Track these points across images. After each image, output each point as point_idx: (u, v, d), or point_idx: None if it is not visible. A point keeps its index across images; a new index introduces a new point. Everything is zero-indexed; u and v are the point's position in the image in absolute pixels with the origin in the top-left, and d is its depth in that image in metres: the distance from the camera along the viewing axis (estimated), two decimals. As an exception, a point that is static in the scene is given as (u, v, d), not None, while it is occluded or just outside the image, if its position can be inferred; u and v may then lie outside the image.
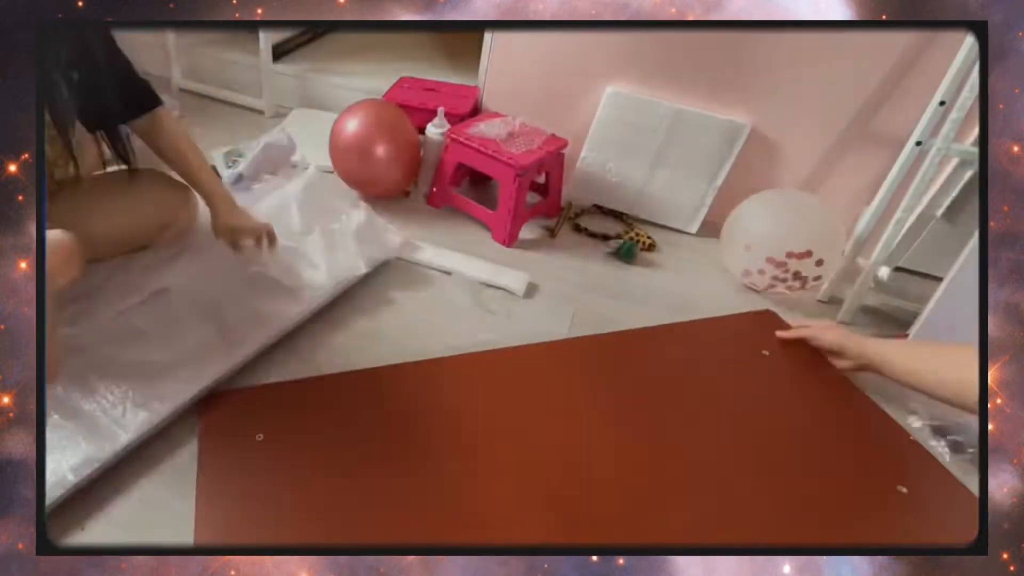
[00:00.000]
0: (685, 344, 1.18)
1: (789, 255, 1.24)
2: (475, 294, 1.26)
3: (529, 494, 0.86)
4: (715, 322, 1.24)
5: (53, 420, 0.84)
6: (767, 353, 1.15)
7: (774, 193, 1.34)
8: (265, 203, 1.29)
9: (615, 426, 0.98)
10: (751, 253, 1.28)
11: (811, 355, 1.16)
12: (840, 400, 1.08)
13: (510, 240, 1.42)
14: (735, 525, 0.85)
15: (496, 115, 1.49)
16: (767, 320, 1.26)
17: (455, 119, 1.52)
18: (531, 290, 1.29)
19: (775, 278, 1.28)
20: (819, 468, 0.95)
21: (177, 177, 1.13)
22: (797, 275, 1.26)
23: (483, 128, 1.41)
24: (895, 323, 1.31)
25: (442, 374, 1.04)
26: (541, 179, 1.53)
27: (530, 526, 0.82)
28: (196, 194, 1.15)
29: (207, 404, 0.94)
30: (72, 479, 0.79)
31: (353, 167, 1.41)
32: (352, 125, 1.40)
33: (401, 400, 0.99)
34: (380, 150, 1.39)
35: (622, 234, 1.50)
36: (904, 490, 0.92)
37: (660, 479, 0.90)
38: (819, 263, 1.23)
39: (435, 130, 1.48)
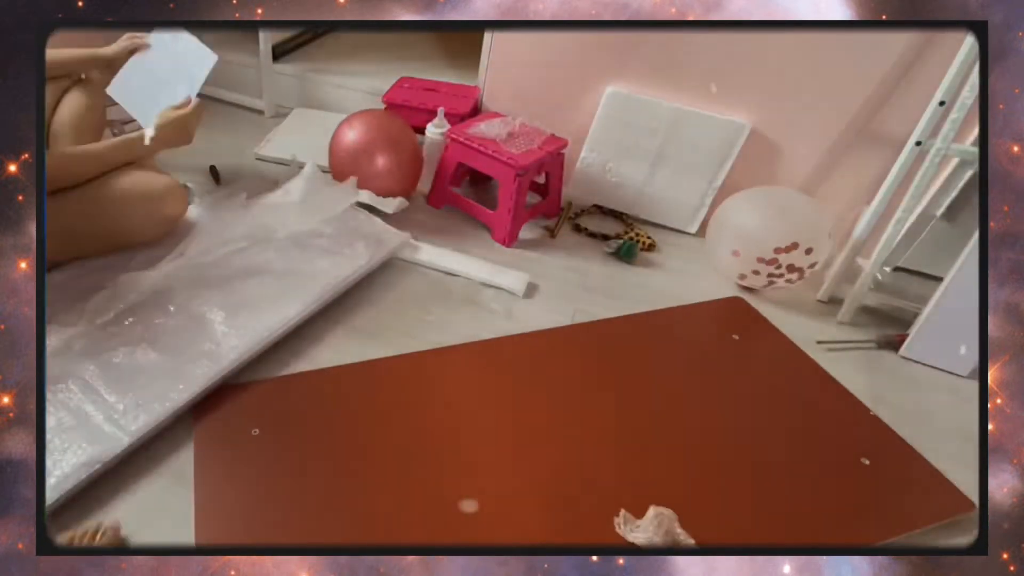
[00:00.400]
0: (661, 332, 1.23)
1: (777, 251, 1.24)
2: (475, 294, 1.26)
3: (527, 491, 0.86)
4: (688, 309, 1.29)
5: (53, 421, 0.84)
6: (736, 337, 1.22)
7: (746, 194, 1.34)
8: (265, 202, 1.29)
9: (604, 417, 1.00)
10: (740, 258, 1.29)
11: (775, 338, 1.23)
12: (805, 377, 1.15)
13: (510, 240, 1.42)
14: (730, 507, 0.88)
15: (496, 115, 1.49)
16: (736, 306, 1.32)
17: (455, 119, 1.52)
18: (531, 290, 1.29)
19: (771, 275, 1.28)
20: (788, 440, 1.01)
21: (165, 172, 1.15)
22: (792, 267, 1.26)
23: (483, 128, 1.41)
24: (895, 323, 1.31)
25: (434, 366, 1.06)
26: (541, 179, 1.53)
27: (530, 526, 0.82)
28: (184, 189, 1.16)
29: (201, 401, 0.93)
30: (72, 479, 0.79)
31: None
32: (353, 136, 1.39)
33: (395, 394, 0.99)
34: (381, 162, 1.38)
35: (622, 234, 1.50)
36: (866, 462, 0.97)
37: (651, 467, 0.92)
38: (809, 251, 1.23)
39: (435, 130, 1.48)
